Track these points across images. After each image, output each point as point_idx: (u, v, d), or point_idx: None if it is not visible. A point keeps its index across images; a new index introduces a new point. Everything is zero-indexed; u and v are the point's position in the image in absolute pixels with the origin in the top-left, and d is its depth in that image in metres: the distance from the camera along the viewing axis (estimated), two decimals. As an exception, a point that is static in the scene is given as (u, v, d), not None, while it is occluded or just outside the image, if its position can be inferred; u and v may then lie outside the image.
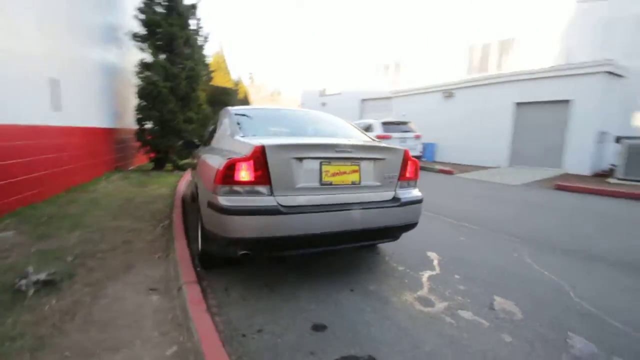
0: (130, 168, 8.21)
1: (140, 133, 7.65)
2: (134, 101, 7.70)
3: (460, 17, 15.95)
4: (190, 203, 4.75)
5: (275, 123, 3.09)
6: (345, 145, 2.37)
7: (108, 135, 6.82)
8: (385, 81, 20.07)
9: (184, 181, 6.72)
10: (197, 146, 4.61)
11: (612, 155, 11.32)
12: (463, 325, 2.06)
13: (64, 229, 3.47)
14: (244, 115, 2.99)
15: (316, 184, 2.28)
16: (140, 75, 7.25)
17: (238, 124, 2.78)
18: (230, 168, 2.11)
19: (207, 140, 3.58)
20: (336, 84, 23.31)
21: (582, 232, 4.29)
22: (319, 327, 1.99)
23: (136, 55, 7.50)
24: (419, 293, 2.46)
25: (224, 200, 2.11)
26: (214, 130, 3.30)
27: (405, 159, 2.63)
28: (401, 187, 2.64)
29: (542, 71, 11.28)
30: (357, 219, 2.34)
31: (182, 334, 1.78)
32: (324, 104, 23.67)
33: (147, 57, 7.38)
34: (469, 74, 15.37)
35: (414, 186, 2.77)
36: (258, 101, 40.66)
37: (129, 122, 8.04)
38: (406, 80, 18.27)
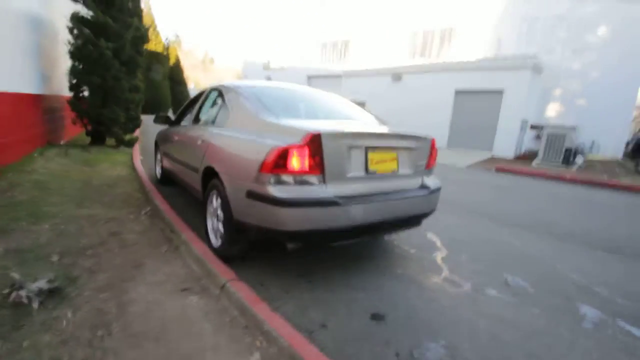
0: (62, 142, 6.95)
1: (76, 102, 6.46)
2: (65, 63, 6.42)
3: (405, 1, 16.45)
4: (181, 190, 4.27)
5: (291, 102, 2.87)
6: (389, 134, 2.34)
7: (36, 103, 5.62)
8: (332, 59, 20.01)
9: (138, 160, 5.96)
10: (173, 122, 4.11)
11: (528, 141, 13.23)
12: (495, 302, 2.28)
13: (22, 220, 2.85)
14: (257, 93, 2.74)
15: (362, 173, 2.23)
16: (76, 33, 6.03)
17: (262, 104, 2.54)
18: (283, 156, 1.93)
19: (205, 119, 3.20)
20: (281, 58, 22.49)
21: (538, 210, 4.99)
22: (377, 317, 2.01)
23: (67, 6, 6.19)
24: (443, 275, 2.63)
25: (277, 191, 1.94)
26: (216, 109, 2.96)
27: (432, 147, 2.71)
28: (426, 174, 2.73)
29: (479, 62, 12.41)
30: (398, 208, 2.37)
31: (256, 337, 1.65)
32: (268, 78, 22.76)
33: (83, 10, 6.14)
34: (412, 59, 16.14)
35: (433, 173, 2.88)
36: (188, 69, 37.08)
37: (59, 87, 6.73)
38: (353, 60, 18.47)
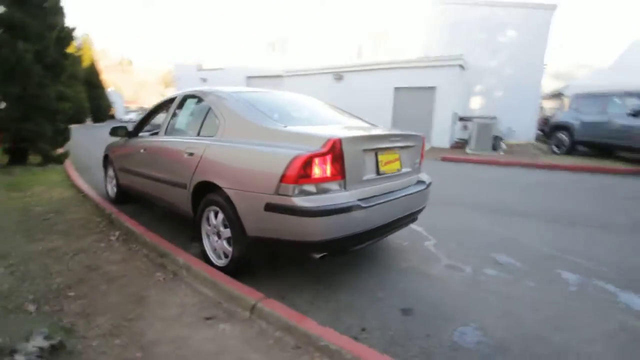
0: (-32, 164, 5.78)
1: (-13, 115, 5.42)
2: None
3: (342, 2, 16.95)
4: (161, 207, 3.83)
5: (282, 108, 2.78)
6: (395, 134, 2.41)
7: None
8: (272, 59, 19.75)
9: (78, 178, 5.22)
10: (131, 134, 3.70)
11: (458, 131, 14.65)
12: (497, 281, 2.50)
13: (-37, 267, 2.31)
14: (249, 99, 2.60)
15: (374, 175, 2.26)
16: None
17: (259, 111, 2.41)
18: (306, 165, 1.87)
19: (183, 130, 2.93)
20: (216, 58, 21.50)
21: (491, 193, 5.56)
22: (407, 311, 2.07)
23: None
24: (443, 262, 2.80)
25: (302, 202, 1.88)
26: (199, 118, 2.74)
27: (423, 144, 2.85)
28: (419, 171, 2.87)
29: (415, 61, 13.36)
30: (405, 205, 2.46)
31: (313, 355, 1.57)
32: (204, 80, 21.62)
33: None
34: (350, 59, 16.73)
35: (421, 169, 3.04)
36: (104, 71, 33.29)
37: (-40, 98, 5.57)
38: (293, 59, 18.45)
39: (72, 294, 2.09)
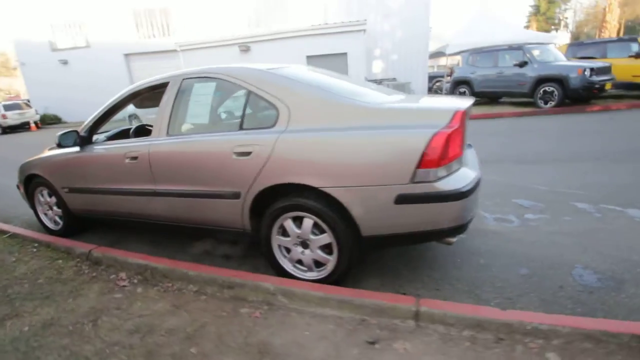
0: None
1: None
2: None
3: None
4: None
5: (334, 85, 2.34)
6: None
7: None
8: (153, 33, 16.91)
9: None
10: (85, 141, 2.73)
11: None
12: (543, 222, 2.79)
13: None
14: (299, 76, 2.14)
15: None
16: None
17: (329, 89, 2.01)
18: (446, 143, 1.65)
19: (213, 123, 2.23)
20: (77, 33, 17.24)
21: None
22: (522, 271, 2.15)
23: None
24: (490, 217, 2.97)
25: (446, 185, 1.69)
26: (239, 108, 2.12)
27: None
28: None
29: (323, 27, 13.24)
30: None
31: (526, 344, 1.48)
32: (64, 62, 17.30)
33: None
34: (256, 29, 15.59)
35: None
36: None
37: None
38: (181, 32, 16.17)
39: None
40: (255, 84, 2.07)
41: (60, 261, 2.60)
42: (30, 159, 3.24)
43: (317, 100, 1.93)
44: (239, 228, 2.20)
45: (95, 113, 2.71)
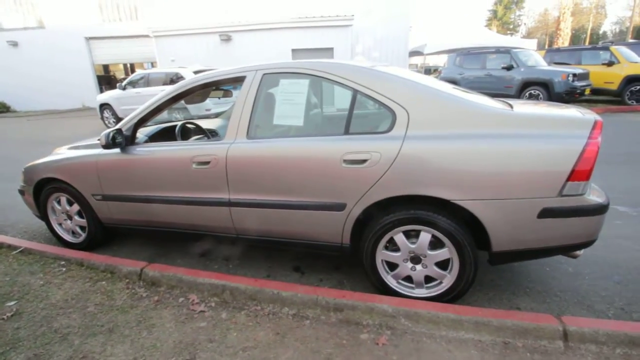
0: None
1: None
2: None
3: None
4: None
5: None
6: None
7: None
8: (118, 17, 15.51)
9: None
10: (129, 141, 2.36)
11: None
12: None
13: None
14: (409, 76, 1.96)
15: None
16: None
17: (444, 91, 1.85)
18: (597, 154, 1.57)
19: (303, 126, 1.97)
20: (29, 12, 15.33)
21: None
22: (617, 279, 2.16)
23: None
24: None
25: (593, 198, 1.63)
26: (344, 109, 1.88)
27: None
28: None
29: (311, 20, 12.89)
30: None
31: None
32: (14, 44, 15.36)
33: None
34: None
35: None
36: None
37: None
38: (149, 17, 14.99)
39: None
40: (363, 83, 1.85)
41: (104, 282, 2.20)
42: (40, 160, 2.75)
43: (442, 104, 1.77)
44: (334, 242, 1.98)
45: (141, 108, 2.31)
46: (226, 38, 13.08)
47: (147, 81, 9.39)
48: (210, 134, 2.88)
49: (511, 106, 1.92)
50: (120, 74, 20.07)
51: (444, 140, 1.69)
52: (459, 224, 1.72)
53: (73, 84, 15.52)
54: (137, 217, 2.43)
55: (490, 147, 1.64)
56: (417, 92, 1.81)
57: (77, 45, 15.41)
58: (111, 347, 1.68)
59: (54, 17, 15.04)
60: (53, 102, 15.67)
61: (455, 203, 1.67)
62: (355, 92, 1.87)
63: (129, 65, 20.06)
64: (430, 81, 2.05)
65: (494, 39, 15.43)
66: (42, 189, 2.70)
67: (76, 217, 2.67)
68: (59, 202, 2.70)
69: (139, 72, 10.45)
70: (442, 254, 1.80)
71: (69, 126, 10.91)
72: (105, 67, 18.74)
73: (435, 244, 1.80)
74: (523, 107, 1.93)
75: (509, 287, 2.11)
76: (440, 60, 21.11)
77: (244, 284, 2.00)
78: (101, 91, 13.65)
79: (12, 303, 2.02)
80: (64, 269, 2.37)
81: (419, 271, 1.87)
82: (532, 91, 8.85)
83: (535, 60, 9.50)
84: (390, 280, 1.94)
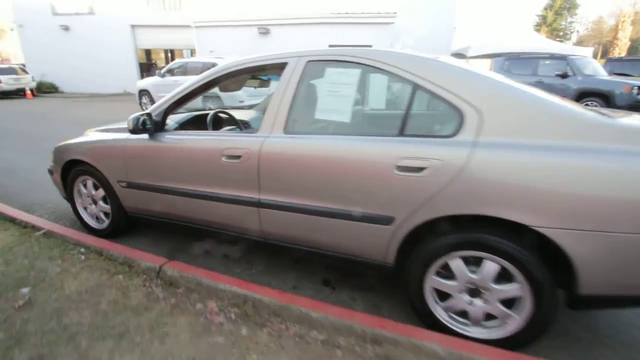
0: None
1: None
2: None
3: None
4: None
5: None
6: None
7: None
8: (163, 7, 15.93)
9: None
10: (159, 127, 2.19)
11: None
12: None
13: None
14: (474, 71, 1.64)
15: None
16: None
17: (527, 91, 1.53)
18: None
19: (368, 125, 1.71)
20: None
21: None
22: None
23: None
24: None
25: None
26: (401, 106, 1.61)
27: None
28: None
29: (350, 15, 12.58)
30: None
31: None
32: (65, 28, 16.18)
33: None
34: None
35: None
36: None
37: None
38: (194, 6, 15.24)
39: None
40: (425, 76, 1.55)
41: (121, 277, 2.05)
42: (70, 141, 2.66)
43: (527, 107, 1.44)
44: (376, 260, 1.71)
45: (173, 93, 2.14)
46: (264, 31, 13.05)
47: (184, 70, 9.47)
48: (244, 126, 2.68)
49: (608, 116, 1.56)
50: (161, 63, 20.68)
51: (527, 151, 1.36)
52: (538, 257, 1.39)
53: (117, 70, 16.11)
54: (161, 208, 2.27)
55: (591, 164, 1.29)
56: (493, 90, 1.49)
57: (122, 33, 15.99)
58: (119, 357, 1.50)
59: (103, 4, 15.66)
60: (97, 86, 16.35)
61: (536, 230, 1.34)
62: (415, 87, 1.57)
63: (169, 55, 20.63)
64: (506, 79, 1.71)
65: (546, 44, 14.36)
66: (70, 170, 2.62)
67: (101, 203, 2.56)
68: (85, 186, 2.60)
69: (177, 60, 10.60)
70: (512, 290, 1.47)
71: (109, 109, 11.26)
72: (148, 55, 19.35)
73: (502, 275, 1.48)
74: (626, 118, 1.56)
75: (583, 336, 1.73)
76: (484, 66, 20.09)
77: (268, 296, 1.77)
78: (142, 78, 14.07)
79: (26, 290, 1.91)
80: (82, 257, 2.25)
81: (478, 307, 1.55)
82: (589, 102, 8.05)
83: (594, 69, 8.65)
84: (439, 312, 1.64)
